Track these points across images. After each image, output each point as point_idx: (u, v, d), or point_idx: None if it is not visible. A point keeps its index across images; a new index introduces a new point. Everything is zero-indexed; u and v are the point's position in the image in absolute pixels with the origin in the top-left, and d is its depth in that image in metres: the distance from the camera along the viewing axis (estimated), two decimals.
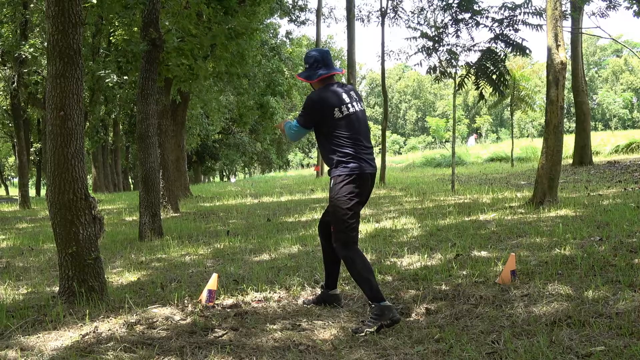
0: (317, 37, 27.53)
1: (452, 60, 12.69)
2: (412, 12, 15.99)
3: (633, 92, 69.39)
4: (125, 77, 14.92)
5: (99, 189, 30.63)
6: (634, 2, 13.47)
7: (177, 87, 13.60)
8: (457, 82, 12.82)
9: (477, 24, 12.16)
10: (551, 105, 8.44)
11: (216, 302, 4.11)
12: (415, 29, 13.54)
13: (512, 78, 20.19)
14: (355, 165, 3.59)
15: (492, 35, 11.94)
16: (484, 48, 12.16)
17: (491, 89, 12.44)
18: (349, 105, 3.67)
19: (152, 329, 3.53)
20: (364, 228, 7.52)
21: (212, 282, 4.10)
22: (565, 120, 24.01)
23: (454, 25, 12.41)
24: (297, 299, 4.21)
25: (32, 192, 31.33)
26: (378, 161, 17.68)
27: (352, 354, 3.05)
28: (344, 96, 3.68)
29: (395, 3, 16.76)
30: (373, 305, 3.45)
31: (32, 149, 29.88)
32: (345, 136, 3.61)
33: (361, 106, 3.78)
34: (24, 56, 15.00)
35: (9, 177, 62.15)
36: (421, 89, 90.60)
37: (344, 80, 21.81)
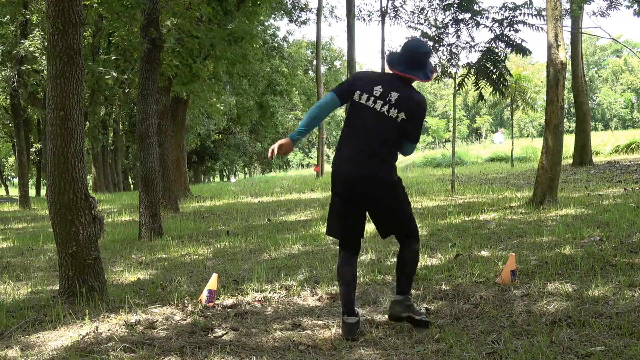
0: (317, 37, 27.45)
1: (453, 60, 12.68)
2: (413, 12, 16.00)
3: (633, 92, 69.33)
4: (125, 77, 14.88)
5: (99, 189, 30.61)
6: (635, 1, 13.46)
7: (176, 89, 13.57)
8: (457, 82, 12.82)
9: (477, 24, 12.15)
10: (551, 105, 8.43)
11: (216, 302, 4.11)
12: (415, 28, 13.53)
13: (515, 78, 20.15)
14: None
15: (492, 36, 11.93)
16: (484, 48, 12.16)
17: (491, 89, 12.43)
18: None
19: (152, 329, 3.53)
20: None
21: (212, 282, 4.11)
22: (565, 120, 23.97)
23: (454, 25, 12.41)
24: (297, 299, 4.21)
25: (32, 192, 31.34)
26: None
27: (352, 354, 3.05)
28: None
29: (397, 3, 16.76)
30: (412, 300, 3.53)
31: (32, 149, 29.84)
32: None
33: None
34: (22, 53, 14.94)
35: (9, 177, 62.11)
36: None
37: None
